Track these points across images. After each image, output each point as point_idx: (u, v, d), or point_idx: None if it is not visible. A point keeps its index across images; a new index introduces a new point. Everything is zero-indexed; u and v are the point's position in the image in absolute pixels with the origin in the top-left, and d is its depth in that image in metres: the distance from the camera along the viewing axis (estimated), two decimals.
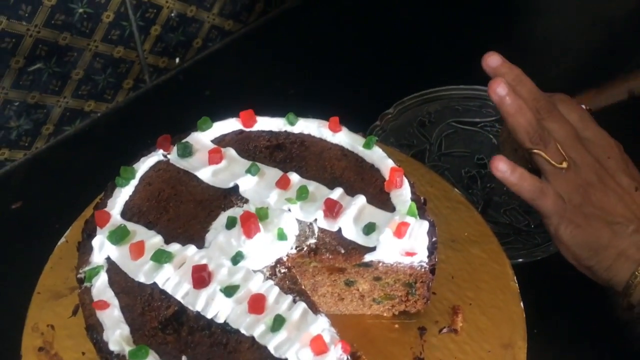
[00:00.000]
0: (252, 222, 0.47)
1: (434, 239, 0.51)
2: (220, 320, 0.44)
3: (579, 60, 0.79)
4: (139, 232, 0.49)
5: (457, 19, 0.94)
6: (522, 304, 0.57)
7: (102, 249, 0.47)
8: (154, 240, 0.48)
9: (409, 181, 0.54)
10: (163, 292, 0.46)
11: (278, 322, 0.43)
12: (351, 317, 0.56)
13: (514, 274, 0.58)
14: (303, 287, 0.47)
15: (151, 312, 0.45)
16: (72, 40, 0.73)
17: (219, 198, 0.52)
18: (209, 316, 0.44)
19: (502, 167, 0.57)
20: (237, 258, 0.47)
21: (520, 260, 0.66)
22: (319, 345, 0.42)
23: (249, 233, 0.47)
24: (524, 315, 0.56)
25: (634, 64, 0.81)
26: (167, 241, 0.48)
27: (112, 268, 0.47)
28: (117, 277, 0.47)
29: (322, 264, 0.50)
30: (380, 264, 0.50)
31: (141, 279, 0.46)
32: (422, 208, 0.52)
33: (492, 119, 0.81)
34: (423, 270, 0.51)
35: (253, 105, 0.61)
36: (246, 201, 0.52)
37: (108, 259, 0.47)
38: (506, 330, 0.55)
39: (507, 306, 0.56)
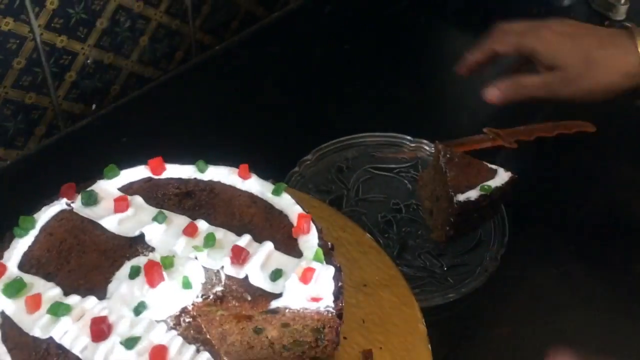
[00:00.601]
0: (155, 270, 0.47)
1: (340, 284, 0.51)
2: None
3: (489, 108, 0.85)
4: (37, 284, 0.47)
5: (374, 67, 0.98)
6: (429, 345, 0.58)
7: None
8: (52, 292, 0.46)
9: (317, 227, 0.55)
10: (60, 346, 0.44)
11: None
12: None
13: (422, 317, 0.60)
14: (209, 336, 0.47)
15: None
16: None
17: (124, 247, 0.51)
18: None
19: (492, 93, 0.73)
20: (139, 308, 0.46)
21: (435, 302, 0.67)
22: None
23: (153, 282, 0.46)
24: (431, 358, 0.57)
25: (542, 114, 0.88)
26: (67, 293, 0.47)
27: (7, 323, 0.45)
28: (12, 332, 0.45)
29: (228, 311, 0.50)
30: (287, 310, 0.50)
31: (37, 333, 0.44)
32: (329, 253, 0.53)
33: (408, 164, 0.84)
34: (330, 315, 0.51)
35: (170, 152, 0.61)
36: (152, 250, 0.51)
37: (2, 313, 0.46)
38: None
39: (416, 349, 0.57)
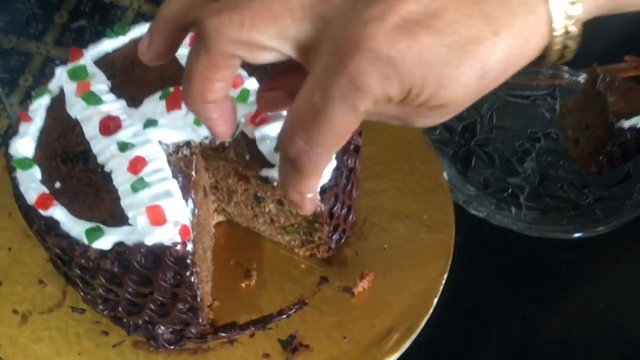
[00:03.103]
0: (177, 99, 0.50)
1: (332, 183, 0.49)
2: (107, 169, 0.49)
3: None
4: (97, 78, 0.54)
5: None
6: (436, 300, 0.53)
7: (61, 79, 0.54)
8: (101, 86, 0.53)
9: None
10: (81, 129, 0.51)
11: (139, 185, 0.46)
12: (268, 243, 0.57)
13: (445, 271, 0.54)
14: (193, 172, 0.49)
15: (64, 141, 0.51)
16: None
17: (179, 76, 0.55)
18: (99, 161, 0.49)
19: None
20: (148, 124, 0.50)
21: (584, 235, 0.65)
22: (155, 215, 0.44)
23: (169, 107, 0.50)
24: (431, 311, 0.52)
25: None
26: (111, 90, 0.53)
27: (60, 97, 0.53)
28: (58, 105, 0.53)
29: (227, 163, 0.52)
30: (277, 184, 0.50)
31: (71, 112, 0.52)
32: (351, 154, 0.50)
33: (544, 92, 0.78)
34: (320, 209, 0.49)
35: None
36: None
37: (62, 88, 0.54)
38: (397, 313, 0.52)
39: (417, 298, 0.53)
